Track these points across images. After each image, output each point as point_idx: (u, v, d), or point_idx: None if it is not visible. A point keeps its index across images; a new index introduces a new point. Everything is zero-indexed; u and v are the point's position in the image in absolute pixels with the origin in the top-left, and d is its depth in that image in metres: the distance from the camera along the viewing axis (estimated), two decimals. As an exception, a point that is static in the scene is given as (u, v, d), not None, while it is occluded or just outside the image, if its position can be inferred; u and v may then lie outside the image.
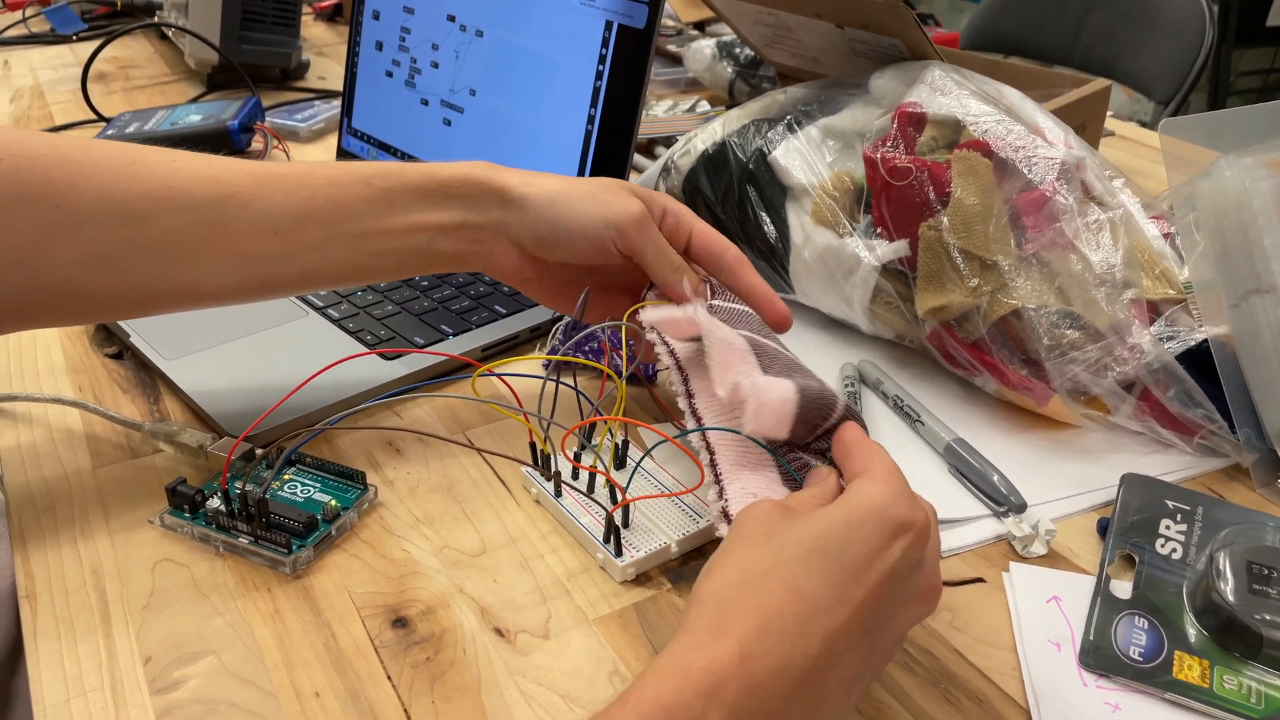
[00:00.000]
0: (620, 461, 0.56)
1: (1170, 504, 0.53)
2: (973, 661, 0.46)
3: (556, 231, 0.54)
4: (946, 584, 0.50)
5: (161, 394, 0.64)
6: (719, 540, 0.50)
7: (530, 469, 0.55)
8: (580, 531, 0.51)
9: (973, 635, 0.47)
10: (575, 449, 0.56)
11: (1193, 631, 0.47)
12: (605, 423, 0.53)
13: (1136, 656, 0.45)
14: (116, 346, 0.68)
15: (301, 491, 0.54)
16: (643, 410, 0.63)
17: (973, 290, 0.59)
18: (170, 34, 1.32)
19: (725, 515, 0.44)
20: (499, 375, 0.54)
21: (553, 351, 0.67)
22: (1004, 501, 0.54)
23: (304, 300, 0.71)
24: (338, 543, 0.52)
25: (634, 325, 0.54)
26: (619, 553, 0.49)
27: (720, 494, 0.45)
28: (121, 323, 0.67)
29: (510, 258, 0.56)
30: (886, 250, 0.63)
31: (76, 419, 0.61)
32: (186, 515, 0.52)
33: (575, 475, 0.54)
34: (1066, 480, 0.57)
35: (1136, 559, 0.50)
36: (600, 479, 0.53)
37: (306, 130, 1.05)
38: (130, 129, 0.96)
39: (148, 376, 0.65)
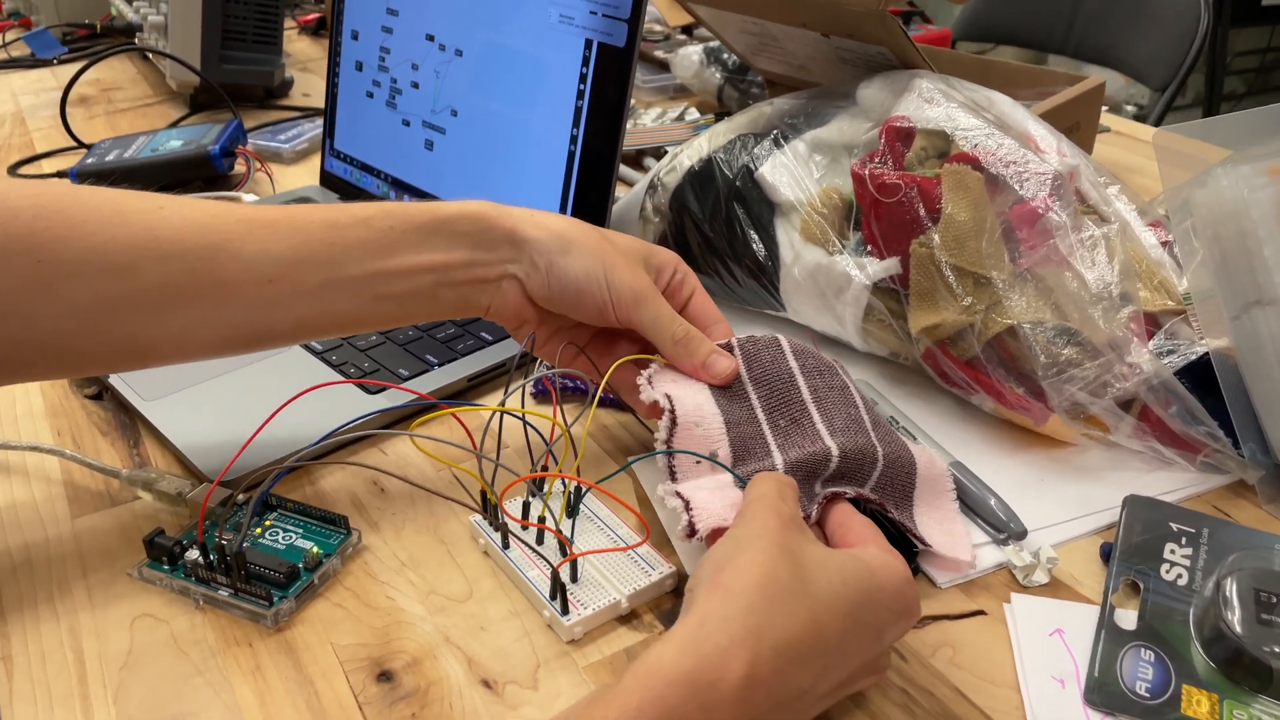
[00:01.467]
0: (573, 510, 0.53)
1: (1174, 526, 0.52)
2: (974, 701, 0.44)
3: (564, 282, 0.52)
4: (946, 617, 0.49)
5: (142, 437, 0.62)
6: (671, 593, 0.50)
7: (479, 517, 0.52)
8: (527, 587, 0.49)
9: (974, 673, 0.46)
10: (525, 497, 0.54)
11: (1200, 663, 0.45)
12: (558, 469, 0.51)
13: (1143, 692, 0.44)
14: (96, 388, 0.67)
15: (283, 538, 0.52)
16: (608, 440, 0.62)
17: (966, 308, 0.58)
18: (151, 55, 1.30)
19: (691, 528, 0.45)
20: (454, 413, 0.53)
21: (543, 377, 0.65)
22: (1003, 528, 0.53)
23: (286, 332, 0.70)
24: (321, 591, 0.51)
25: (627, 377, 0.54)
26: (565, 610, 0.47)
27: (686, 507, 0.46)
28: (100, 362, 0.66)
29: (513, 300, 0.54)
30: (877, 268, 0.61)
31: (54, 466, 0.60)
32: (165, 568, 0.51)
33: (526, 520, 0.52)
34: (1068, 502, 0.55)
35: (1141, 586, 0.49)
36: (553, 527, 0.51)
37: (290, 151, 1.03)
38: (110, 156, 0.95)
39: (128, 418, 0.64)
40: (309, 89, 1.25)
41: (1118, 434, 0.56)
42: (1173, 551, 0.51)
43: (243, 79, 1.15)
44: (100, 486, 0.58)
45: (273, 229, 0.51)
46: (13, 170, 1.03)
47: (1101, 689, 0.44)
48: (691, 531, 0.45)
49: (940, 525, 0.52)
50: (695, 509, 0.46)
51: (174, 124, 1.13)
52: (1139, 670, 0.45)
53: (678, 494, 0.47)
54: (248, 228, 0.50)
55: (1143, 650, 0.46)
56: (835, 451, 0.49)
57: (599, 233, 0.54)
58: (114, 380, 0.65)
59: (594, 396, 0.53)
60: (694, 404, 0.51)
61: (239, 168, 0.98)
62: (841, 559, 0.41)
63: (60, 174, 0.97)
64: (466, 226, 0.53)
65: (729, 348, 0.53)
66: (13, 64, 1.37)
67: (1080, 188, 0.62)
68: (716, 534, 0.45)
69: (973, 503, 0.54)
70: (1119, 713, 0.43)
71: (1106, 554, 0.52)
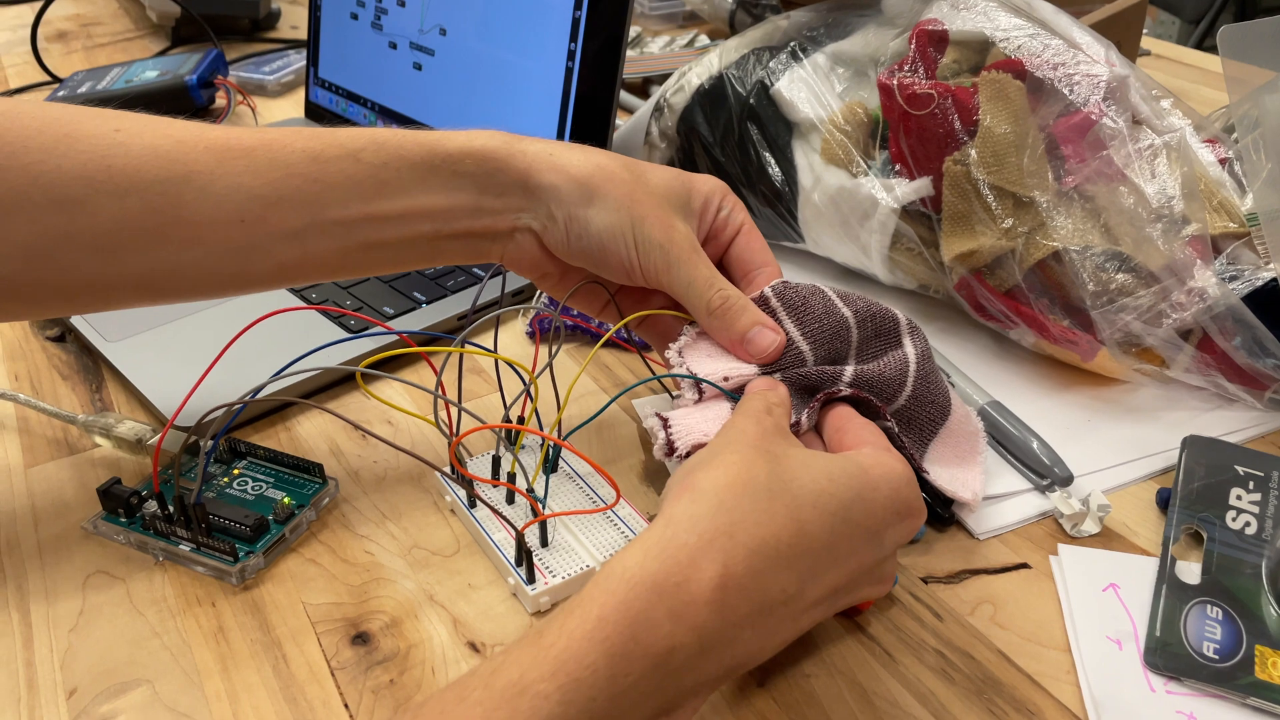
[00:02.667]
0: (551, 465, 0.48)
1: (1241, 470, 0.47)
2: (1019, 665, 0.40)
3: (585, 240, 0.45)
4: (985, 571, 0.44)
5: (105, 380, 0.58)
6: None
7: (445, 475, 0.46)
8: (494, 551, 0.44)
9: (1018, 633, 0.41)
10: (495, 451, 0.48)
11: (1275, 621, 0.40)
12: (533, 407, 0.46)
13: (1211, 654, 0.39)
14: (58, 329, 0.62)
15: (253, 488, 0.48)
16: (610, 382, 0.57)
17: (1006, 232, 0.52)
18: (133, -13, 1.24)
19: (670, 446, 0.41)
20: (420, 353, 0.48)
21: (538, 315, 0.60)
22: (1047, 474, 0.47)
23: (264, 269, 0.65)
24: (292, 546, 0.46)
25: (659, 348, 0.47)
26: (531, 579, 0.42)
27: (664, 424, 0.42)
28: (62, 302, 0.61)
29: (530, 252, 0.46)
30: (907, 190, 0.55)
31: (9, 412, 0.55)
32: (122, 520, 0.46)
33: (496, 478, 0.47)
34: (1119, 444, 0.50)
35: (1205, 535, 0.44)
36: (523, 486, 0.45)
37: (274, 83, 0.97)
38: (82, 89, 0.89)
39: (91, 361, 0.59)
40: (298, 21, 1.18)
41: (1175, 368, 0.51)
42: (1239, 497, 0.45)
43: (226, 9, 1.09)
44: (57, 434, 0.53)
45: (247, 159, 0.44)
46: (-16, 107, 0.97)
47: (1164, 650, 0.39)
48: (670, 449, 0.41)
49: (948, 468, 0.46)
50: (673, 426, 0.42)
51: (154, 56, 1.07)
52: (1206, 629, 0.40)
53: (657, 414, 0.43)
54: (218, 158, 0.43)
55: (1209, 607, 0.41)
56: (848, 375, 0.44)
57: (630, 173, 0.45)
58: (77, 321, 0.60)
59: (599, 344, 0.48)
60: (730, 384, 0.44)
61: (220, 100, 0.93)
62: (829, 459, 0.37)
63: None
64: (472, 166, 0.45)
65: (763, 300, 0.45)
66: (-11, 1, 1.31)
67: (1131, 101, 0.56)
68: (699, 450, 0.40)
69: (1013, 446, 0.49)
70: (1185, 677, 0.38)
71: (1164, 501, 0.47)
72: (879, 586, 0.40)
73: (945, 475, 0.46)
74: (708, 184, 0.47)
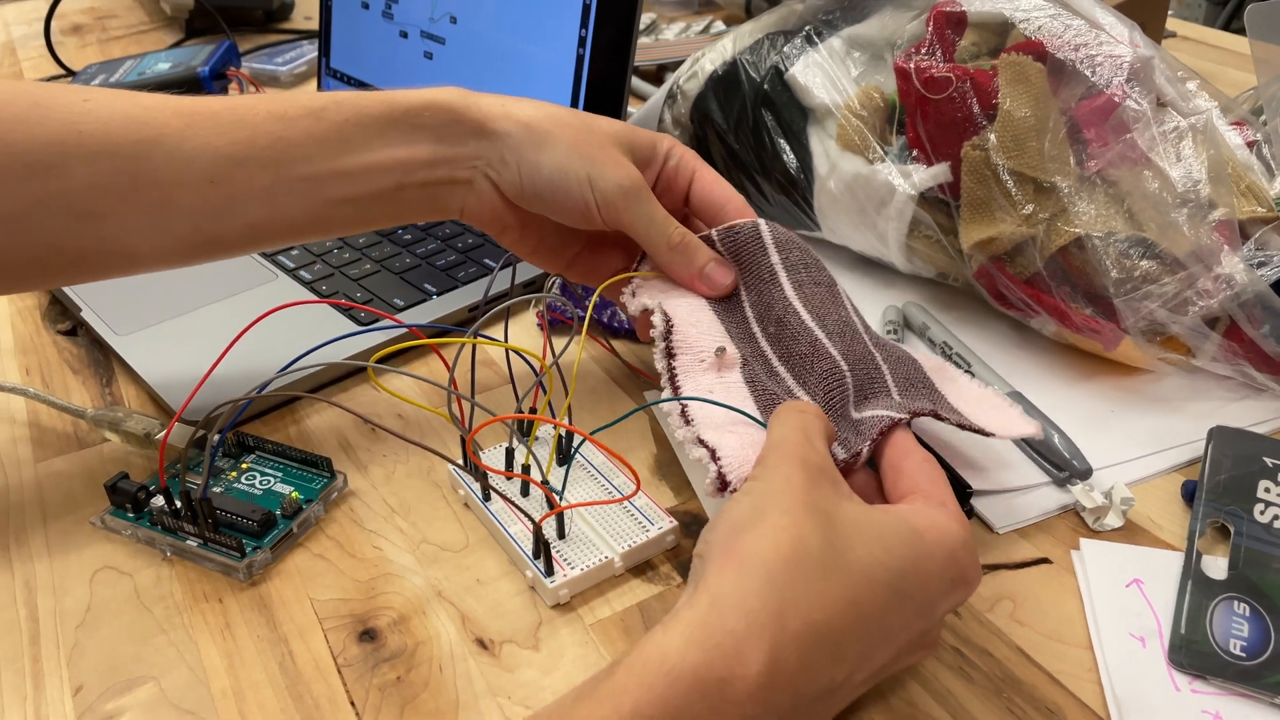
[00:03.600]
0: (565, 456, 0.47)
1: (1269, 461, 0.45)
2: (1040, 663, 0.39)
3: (537, 182, 0.46)
4: (1005, 567, 0.43)
5: (116, 374, 0.57)
6: (674, 550, 0.44)
7: (457, 467, 0.46)
8: (510, 544, 0.43)
9: (1039, 630, 0.40)
10: (508, 443, 0.48)
11: (1305, 618, 0.39)
12: (546, 400, 0.46)
13: (1238, 652, 0.38)
14: (69, 323, 0.62)
15: (260, 483, 0.47)
16: (620, 372, 0.56)
17: (1026, 218, 0.51)
18: (148, -21, 1.24)
19: (722, 480, 0.38)
20: (432, 345, 0.47)
21: (549, 306, 0.59)
22: (1065, 466, 0.46)
23: (274, 262, 0.65)
24: (300, 541, 0.45)
25: (619, 295, 0.48)
26: (549, 571, 0.41)
27: (713, 456, 0.39)
28: (73, 295, 0.61)
29: (489, 201, 0.48)
30: (924, 176, 0.54)
31: (20, 406, 0.55)
32: (130, 515, 0.46)
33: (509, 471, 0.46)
34: (1142, 436, 0.49)
35: (1232, 530, 0.43)
36: (537, 477, 0.45)
37: (287, 74, 0.97)
38: (95, 82, 0.89)
39: (101, 355, 0.59)
40: (311, 11, 1.18)
41: (1201, 357, 0.49)
42: (1267, 490, 0.44)
43: (240, 0, 1.09)
44: (67, 428, 0.53)
45: (213, 121, 0.45)
46: None
47: (1189, 648, 0.38)
48: (722, 484, 0.38)
49: (980, 406, 0.44)
50: (724, 458, 0.38)
51: (168, 48, 1.07)
52: (1232, 626, 0.39)
53: (701, 441, 0.39)
54: (185, 121, 0.45)
55: (1236, 603, 0.40)
56: (844, 365, 0.43)
57: (580, 121, 0.47)
58: (87, 313, 0.60)
59: (584, 320, 0.48)
60: (688, 307, 0.45)
61: (232, 92, 0.92)
62: (882, 520, 0.34)
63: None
64: (430, 118, 0.47)
65: (709, 242, 0.47)
66: (6, -6, 1.31)
67: (1156, 83, 0.54)
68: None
69: (1032, 439, 0.48)
70: (1211, 676, 0.37)
71: (1190, 493, 0.45)
72: (924, 652, 0.37)
73: (998, 422, 0.43)
74: (647, 135, 0.49)
